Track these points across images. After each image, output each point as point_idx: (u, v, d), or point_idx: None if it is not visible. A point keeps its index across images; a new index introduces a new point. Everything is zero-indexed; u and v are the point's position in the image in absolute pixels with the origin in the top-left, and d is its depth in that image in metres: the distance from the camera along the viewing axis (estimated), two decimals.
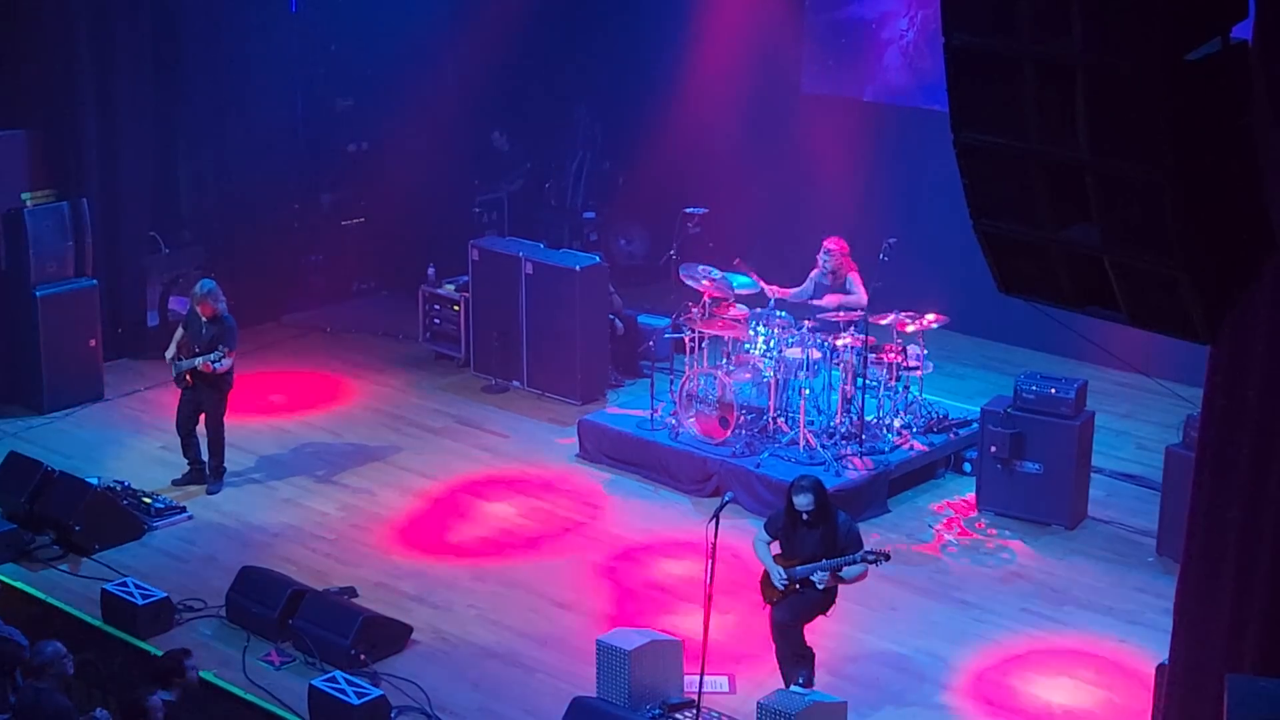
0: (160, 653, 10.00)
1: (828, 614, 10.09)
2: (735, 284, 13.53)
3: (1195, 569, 8.28)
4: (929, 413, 13.64)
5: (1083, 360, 14.48)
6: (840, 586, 9.99)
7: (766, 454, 12.97)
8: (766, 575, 10.00)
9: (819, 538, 9.82)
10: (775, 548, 10.05)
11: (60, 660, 9.15)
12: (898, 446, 13.18)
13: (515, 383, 15.37)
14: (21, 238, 14.54)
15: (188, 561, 12.11)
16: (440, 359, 16.14)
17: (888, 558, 9.90)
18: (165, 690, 8.98)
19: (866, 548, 9.88)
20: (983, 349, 16.04)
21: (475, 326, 15.68)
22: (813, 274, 13.72)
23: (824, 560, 9.78)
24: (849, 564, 9.79)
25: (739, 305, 13.59)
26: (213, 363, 12.64)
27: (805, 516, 9.81)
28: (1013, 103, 6.07)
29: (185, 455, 13.25)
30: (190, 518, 12.74)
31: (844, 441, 13.00)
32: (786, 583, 9.86)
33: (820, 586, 9.81)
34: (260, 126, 16.83)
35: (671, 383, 13.90)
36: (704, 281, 13.39)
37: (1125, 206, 5.97)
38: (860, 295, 13.35)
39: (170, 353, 12.97)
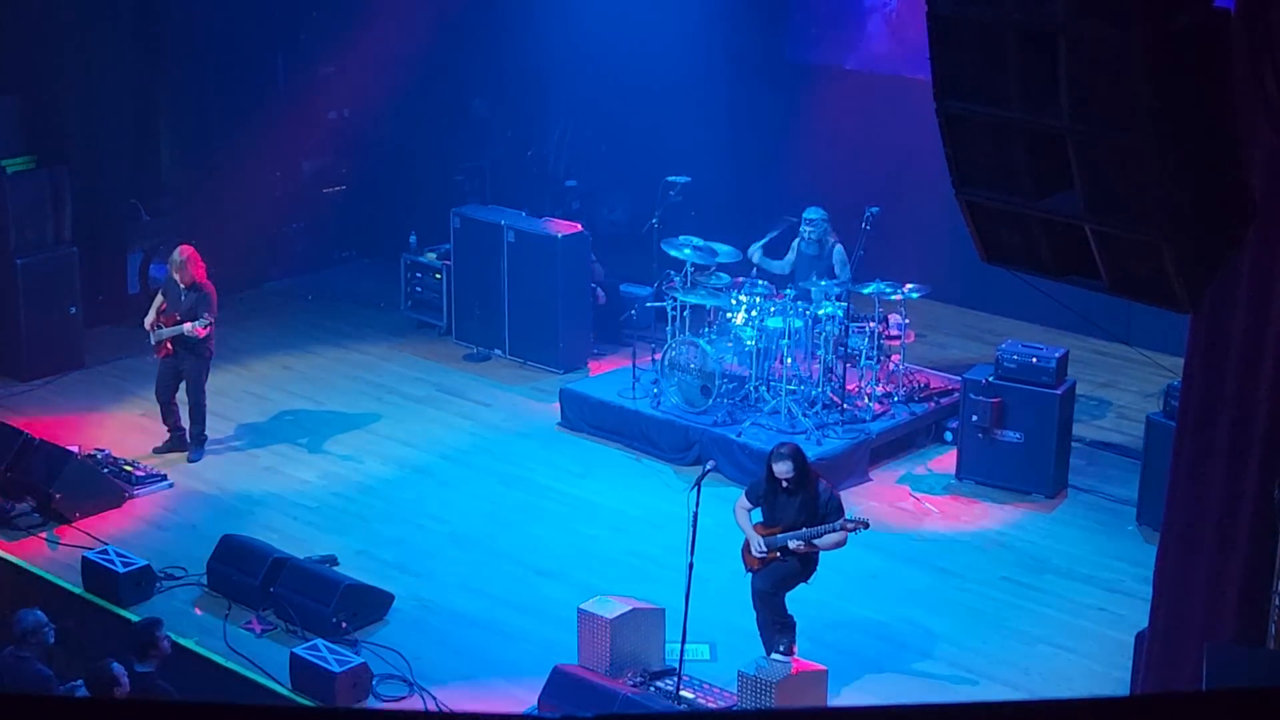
0: (137, 619, 10.03)
1: (809, 581, 10.11)
2: (719, 253, 13.53)
3: (1175, 537, 8.32)
4: (910, 382, 13.66)
5: (1064, 329, 14.50)
6: (821, 554, 10.01)
7: (748, 423, 12.99)
8: (748, 543, 10.03)
9: (799, 505, 9.85)
10: (757, 516, 10.07)
11: (42, 629, 9.15)
12: (879, 415, 13.21)
13: (497, 351, 15.35)
14: (1, 205, 14.47)
15: (168, 529, 12.10)
16: (422, 327, 16.11)
17: (866, 525, 9.93)
18: (141, 663, 8.98)
19: (846, 516, 9.91)
20: (964, 318, 16.06)
21: (457, 295, 15.65)
22: (794, 243, 13.72)
23: (803, 529, 9.81)
24: (828, 531, 9.82)
25: (721, 274, 13.59)
26: (197, 327, 12.59)
27: (785, 484, 9.83)
28: (995, 71, 6.06)
29: (165, 423, 13.22)
30: (171, 485, 12.72)
31: (825, 411, 13.01)
32: (765, 552, 9.88)
33: (796, 553, 9.83)
34: (241, 93, 16.75)
35: (653, 351, 13.89)
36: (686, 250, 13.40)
37: (1107, 175, 5.97)
38: (846, 275, 13.33)
39: (149, 319, 12.93)
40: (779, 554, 9.88)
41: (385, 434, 13.78)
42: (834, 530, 9.81)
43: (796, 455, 9.87)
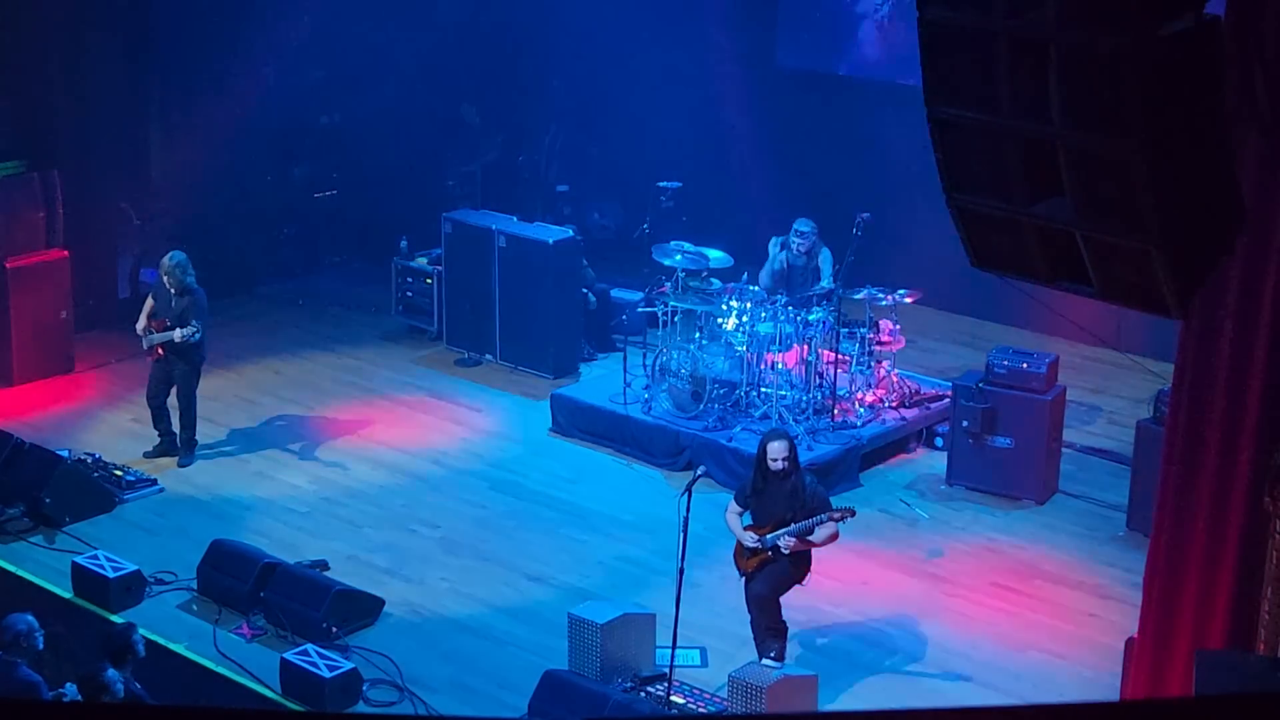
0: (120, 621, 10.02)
1: (803, 583, 10.11)
2: (710, 258, 13.54)
3: (1165, 543, 8.33)
4: (901, 387, 13.67)
5: (1055, 335, 14.51)
6: (813, 559, 10.01)
7: (739, 428, 12.99)
8: (740, 546, 10.02)
9: (788, 492, 9.82)
10: (746, 520, 10.07)
11: (32, 634, 9.13)
12: (869, 421, 13.21)
13: (488, 356, 15.34)
14: None
15: (159, 534, 12.08)
16: (413, 332, 16.10)
17: (853, 514, 10.00)
18: (118, 667, 8.95)
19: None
20: (955, 324, 16.07)
21: (448, 299, 15.64)
22: (781, 254, 13.71)
23: (792, 524, 9.80)
24: (818, 524, 9.82)
25: (713, 280, 13.60)
26: (187, 336, 12.59)
27: (779, 465, 9.78)
28: (986, 77, 6.06)
29: (156, 427, 13.21)
30: (161, 490, 12.70)
31: (816, 416, 13.01)
32: (760, 544, 9.85)
33: (786, 551, 9.81)
34: (232, 98, 16.73)
35: (644, 357, 13.89)
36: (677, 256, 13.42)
37: (1098, 181, 5.97)
38: (828, 276, 13.40)
39: (140, 324, 12.93)
40: (770, 553, 9.87)
41: (376, 439, 13.77)
42: (823, 522, 9.82)
43: (788, 435, 10.06)
